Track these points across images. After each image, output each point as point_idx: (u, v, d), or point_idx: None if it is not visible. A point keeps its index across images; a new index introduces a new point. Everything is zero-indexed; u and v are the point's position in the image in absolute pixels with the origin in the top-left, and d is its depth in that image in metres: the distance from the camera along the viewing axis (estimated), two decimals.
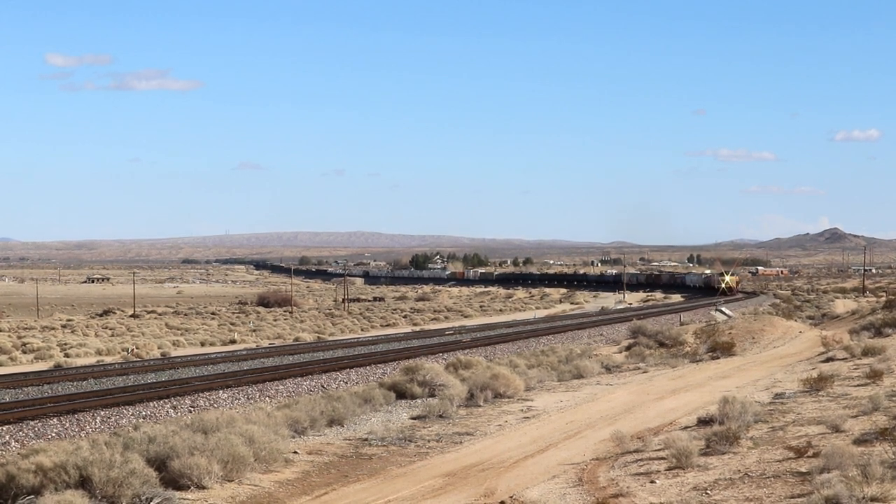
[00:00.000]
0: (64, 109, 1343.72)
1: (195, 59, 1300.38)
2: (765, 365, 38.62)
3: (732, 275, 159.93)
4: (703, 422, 22.65)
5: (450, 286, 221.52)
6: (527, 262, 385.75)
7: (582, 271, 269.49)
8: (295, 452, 22.69)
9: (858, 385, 27.36)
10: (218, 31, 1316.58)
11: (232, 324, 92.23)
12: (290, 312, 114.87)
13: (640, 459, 19.86)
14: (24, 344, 62.80)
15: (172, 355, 55.03)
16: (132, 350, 59.35)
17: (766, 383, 31.63)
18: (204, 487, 19.04)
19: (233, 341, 71.25)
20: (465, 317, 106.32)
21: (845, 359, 35.56)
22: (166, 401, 30.45)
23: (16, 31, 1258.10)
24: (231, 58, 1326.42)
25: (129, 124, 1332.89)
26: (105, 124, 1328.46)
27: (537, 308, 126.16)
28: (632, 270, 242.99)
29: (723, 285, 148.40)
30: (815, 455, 17.62)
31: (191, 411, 28.99)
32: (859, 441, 18.58)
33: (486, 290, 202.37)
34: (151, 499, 17.71)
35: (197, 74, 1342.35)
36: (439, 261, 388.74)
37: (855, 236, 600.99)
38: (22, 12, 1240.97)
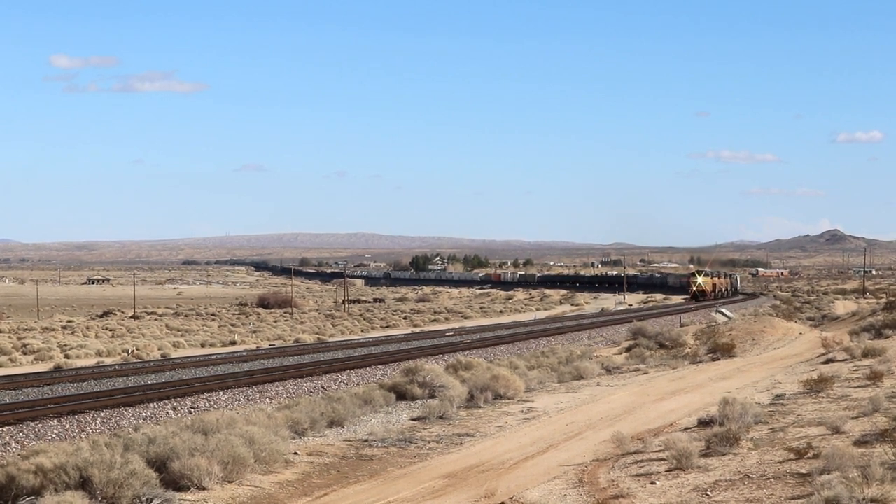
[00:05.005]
0: (67, 111, 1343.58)
1: (201, 62, 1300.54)
2: (765, 366, 38.61)
3: (707, 275, 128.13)
4: (704, 423, 22.64)
5: (487, 288, 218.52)
6: (527, 263, 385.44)
7: (632, 272, 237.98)
8: (295, 454, 22.69)
9: (859, 386, 27.36)
10: (224, 34, 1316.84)
11: (232, 325, 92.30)
12: (291, 314, 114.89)
13: (641, 460, 19.86)
14: (25, 345, 62.85)
15: (173, 356, 55.05)
16: (132, 351, 59.37)
17: (766, 384, 31.62)
18: (204, 488, 19.05)
19: (233, 343, 71.28)
20: (466, 318, 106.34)
21: (845, 360, 35.54)
22: (166, 402, 30.45)
23: (20, 34, 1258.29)
24: (237, 60, 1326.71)
25: (133, 126, 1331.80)
26: (108, 126, 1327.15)
27: (537, 309, 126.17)
28: (631, 272, 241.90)
29: (694, 288, 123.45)
30: (816, 456, 17.63)
31: (191, 412, 28.98)
32: (859, 442, 18.59)
33: (486, 291, 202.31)
34: (152, 500, 17.71)
35: (202, 77, 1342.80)
36: (440, 262, 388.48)
37: (855, 237, 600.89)
38: (27, 15, 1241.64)
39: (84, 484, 17.77)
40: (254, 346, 66.14)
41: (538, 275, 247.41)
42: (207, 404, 30.72)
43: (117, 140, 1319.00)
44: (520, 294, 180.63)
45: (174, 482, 18.90)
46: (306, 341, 69.08)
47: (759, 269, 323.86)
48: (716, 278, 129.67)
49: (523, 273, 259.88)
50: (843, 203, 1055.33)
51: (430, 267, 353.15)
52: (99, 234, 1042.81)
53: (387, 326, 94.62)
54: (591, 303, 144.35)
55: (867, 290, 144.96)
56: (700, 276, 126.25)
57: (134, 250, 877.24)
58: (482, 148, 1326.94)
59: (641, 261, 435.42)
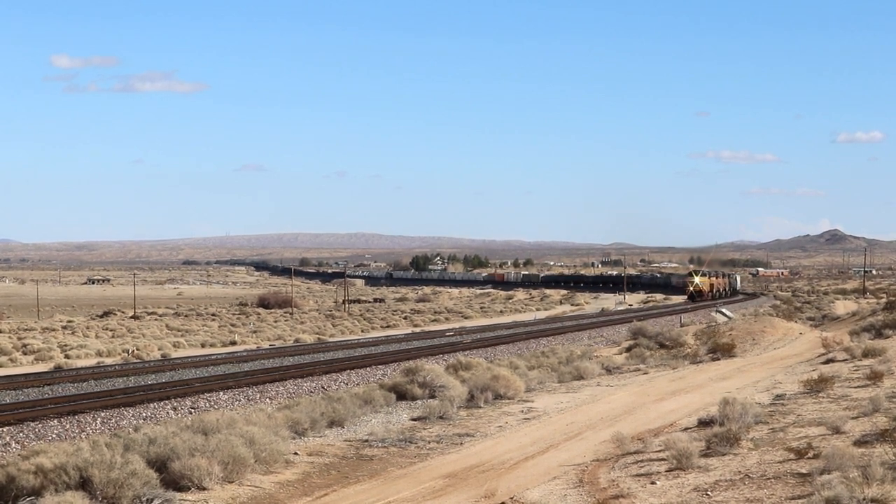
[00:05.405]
0: (67, 111, 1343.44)
1: (201, 62, 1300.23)
2: (765, 366, 38.61)
3: (704, 275, 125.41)
4: (704, 423, 22.64)
5: (489, 288, 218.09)
6: (527, 263, 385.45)
7: (634, 272, 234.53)
8: (295, 454, 22.69)
9: (859, 386, 27.36)
10: (224, 34, 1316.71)
11: (232, 325, 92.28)
12: (291, 314, 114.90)
13: (641, 460, 19.86)
14: (25, 345, 62.85)
15: (173, 357, 55.06)
16: (132, 351, 59.36)
17: (766, 384, 31.62)
18: (204, 488, 19.05)
19: (233, 343, 71.28)
20: (466, 318, 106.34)
21: (846, 360, 35.55)
22: (167, 402, 30.46)
23: (20, 34, 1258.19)
24: (237, 60, 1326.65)
25: (133, 126, 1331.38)
26: (108, 126, 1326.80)
27: (538, 309, 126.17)
28: (632, 272, 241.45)
29: (690, 288, 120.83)
30: (816, 456, 17.63)
31: (191, 412, 28.99)
32: (860, 442, 18.59)
33: (486, 291, 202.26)
34: (152, 500, 17.71)
35: (202, 77, 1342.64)
36: (440, 262, 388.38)
37: (855, 237, 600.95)
38: (27, 15, 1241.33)
39: (84, 484, 17.77)
40: (254, 347, 66.13)
41: (542, 275, 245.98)
42: (208, 404, 30.72)
43: (117, 140, 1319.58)
44: (520, 294, 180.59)
45: (174, 482, 18.90)
46: (306, 341, 69.09)
47: (760, 269, 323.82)
48: (713, 278, 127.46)
49: (527, 273, 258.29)
50: (843, 203, 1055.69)
51: (430, 267, 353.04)
52: (99, 234, 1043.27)
53: (387, 326, 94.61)
54: (592, 303, 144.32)
55: (867, 289, 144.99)
56: (697, 276, 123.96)
57: (134, 250, 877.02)
58: (482, 148, 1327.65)
59: (641, 261, 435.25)
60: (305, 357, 47.03)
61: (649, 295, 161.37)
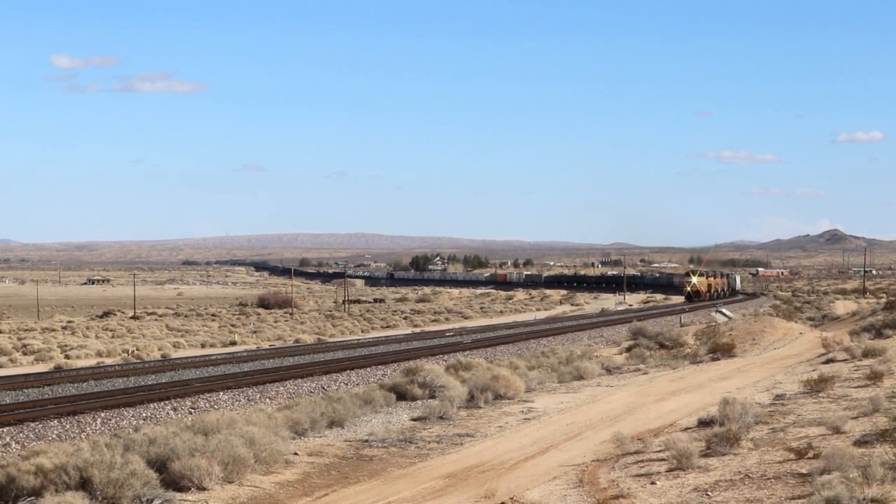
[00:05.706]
0: (67, 111, 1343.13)
1: (201, 62, 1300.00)
2: (765, 366, 38.62)
3: (702, 275, 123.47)
4: (704, 423, 22.65)
5: (490, 288, 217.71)
6: (527, 263, 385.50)
7: (635, 272, 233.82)
8: (295, 454, 22.70)
9: (859, 386, 27.36)
10: (224, 34, 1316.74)
11: (232, 325, 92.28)
12: (291, 314, 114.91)
13: (641, 461, 19.87)
14: (25, 345, 62.85)
15: (173, 357, 55.07)
16: (132, 352, 59.37)
17: (766, 384, 31.63)
18: (204, 489, 19.05)
19: (233, 343, 71.29)
20: (466, 318, 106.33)
21: (846, 360, 35.56)
22: (167, 402, 30.46)
23: (20, 34, 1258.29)
24: (237, 60, 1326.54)
25: (133, 126, 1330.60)
26: (108, 126, 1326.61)
27: (538, 309, 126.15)
28: (633, 272, 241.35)
29: (688, 288, 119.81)
30: (816, 456, 17.63)
31: (191, 413, 29.00)
32: (860, 442, 18.59)
33: (486, 291, 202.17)
34: (152, 500, 17.71)
35: (202, 77, 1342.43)
36: (440, 262, 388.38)
37: (855, 237, 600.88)
38: (27, 15, 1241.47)
39: (84, 484, 17.77)
40: (254, 347, 66.13)
41: (544, 275, 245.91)
42: (208, 405, 30.73)
43: (117, 140, 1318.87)
44: (520, 294, 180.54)
45: (174, 482, 18.91)
46: (306, 341, 69.07)
47: (760, 269, 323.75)
48: (711, 278, 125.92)
49: (529, 273, 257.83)
50: (843, 203, 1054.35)
51: (430, 267, 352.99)
52: (99, 234, 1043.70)
53: (387, 327, 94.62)
54: (592, 303, 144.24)
55: (867, 289, 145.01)
56: (695, 276, 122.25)
57: (134, 250, 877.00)
58: (482, 148, 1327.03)
59: (641, 261, 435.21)
60: (305, 357, 47.03)
61: (649, 295, 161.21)
